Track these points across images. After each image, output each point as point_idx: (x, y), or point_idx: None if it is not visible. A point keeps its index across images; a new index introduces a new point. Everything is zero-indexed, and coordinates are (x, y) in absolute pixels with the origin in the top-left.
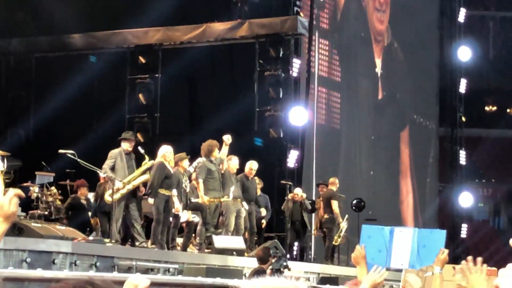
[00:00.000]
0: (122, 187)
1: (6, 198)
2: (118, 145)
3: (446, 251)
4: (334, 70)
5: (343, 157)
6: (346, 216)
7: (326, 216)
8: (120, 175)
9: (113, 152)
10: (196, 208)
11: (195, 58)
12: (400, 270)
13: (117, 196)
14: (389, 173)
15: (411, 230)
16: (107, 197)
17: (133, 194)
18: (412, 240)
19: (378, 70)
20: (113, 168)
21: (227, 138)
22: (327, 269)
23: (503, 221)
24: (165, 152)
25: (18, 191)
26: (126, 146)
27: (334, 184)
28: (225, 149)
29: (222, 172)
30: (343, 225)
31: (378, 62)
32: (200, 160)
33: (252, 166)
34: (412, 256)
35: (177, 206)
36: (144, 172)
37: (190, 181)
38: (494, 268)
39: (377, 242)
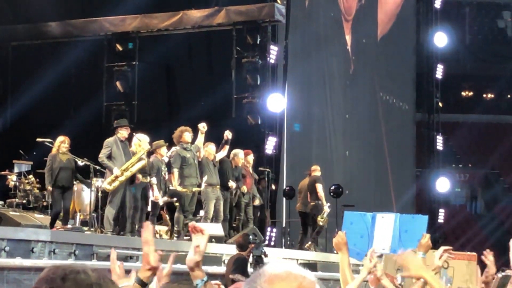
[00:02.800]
0: (120, 175)
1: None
2: (112, 133)
3: (428, 235)
4: (307, 55)
5: (317, 141)
6: (328, 204)
7: (312, 203)
8: (118, 163)
9: (108, 141)
10: (174, 195)
11: (172, 45)
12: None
13: (115, 184)
14: (365, 154)
15: (393, 215)
16: (106, 186)
17: (131, 181)
18: (393, 225)
19: (348, 46)
20: (109, 157)
21: (202, 126)
22: (305, 255)
23: (480, 206)
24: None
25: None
26: (122, 133)
27: (316, 170)
28: (201, 137)
29: (200, 159)
30: (326, 208)
31: (348, 38)
32: (174, 149)
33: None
34: (394, 241)
35: (157, 194)
36: (140, 159)
37: (169, 169)
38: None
39: (359, 228)
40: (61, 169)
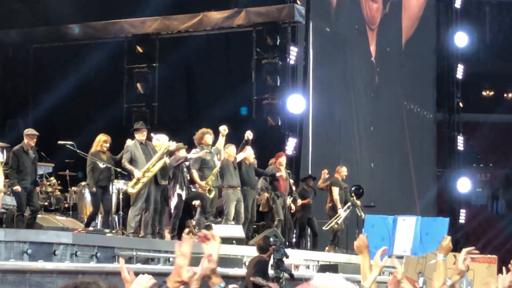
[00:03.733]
0: (141, 176)
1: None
2: (132, 136)
3: (449, 238)
4: (331, 58)
5: (341, 145)
6: (349, 203)
7: (329, 204)
8: (140, 165)
9: (128, 145)
10: (196, 197)
11: (193, 47)
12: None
13: (138, 186)
14: (389, 160)
15: (414, 218)
16: (130, 189)
17: (155, 182)
18: (414, 228)
19: (373, 57)
20: (131, 161)
21: (223, 129)
22: (326, 257)
23: (501, 206)
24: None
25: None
26: (139, 136)
27: (337, 172)
28: (222, 139)
29: (220, 161)
30: (340, 211)
31: (373, 49)
32: (194, 150)
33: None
34: (415, 243)
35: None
36: (161, 158)
37: (188, 170)
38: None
39: (380, 231)
40: (103, 168)
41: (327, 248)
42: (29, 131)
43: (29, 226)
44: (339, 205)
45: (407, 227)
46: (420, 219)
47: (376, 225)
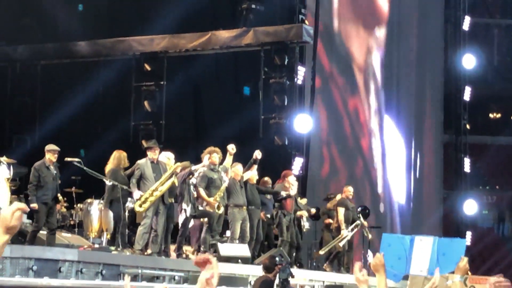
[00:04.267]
0: (150, 195)
1: (9, 211)
2: (143, 154)
3: (466, 259)
4: (338, 78)
5: (345, 162)
6: (357, 222)
7: (335, 224)
8: (150, 183)
9: (139, 163)
10: (203, 215)
11: (200, 65)
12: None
13: (146, 204)
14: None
15: (431, 238)
16: (137, 208)
17: (162, 202)
18: (431, 248)
19: (379, 78)
20: (140, 178)
21: (232, 148)
22: (332, 277)
23: (508, 229)
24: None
25: (23, 205)
26: (151, 155)
27: (344, 192)
28: (230, 158)
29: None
30: (344, 232)
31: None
32: (201, 169)
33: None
34: (432, 263)
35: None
36: (170, 177)
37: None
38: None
39: (397, 250)
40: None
41: (324, 265)
42: (51, 146)
43: (49, 244)
44: (343, 226)
45: (424, 247)
46: (437, 239)
47: (393, 244)
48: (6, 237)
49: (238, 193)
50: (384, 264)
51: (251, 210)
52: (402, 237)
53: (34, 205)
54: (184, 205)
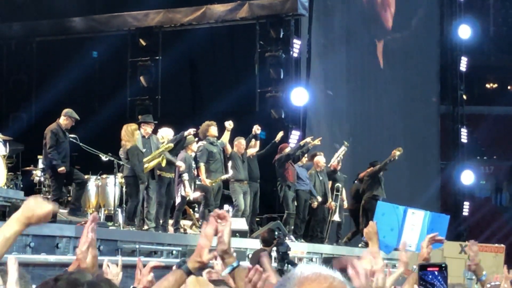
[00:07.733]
0: None
1: (45, 209)
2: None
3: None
4: (335, 50)
5: (342, 135)
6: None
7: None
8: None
9: None
10: (199, 189)
11: (196, 40)
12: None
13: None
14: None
15: (423, 212)
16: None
17: (152, 177)
18: (422, 223)
19: (378, 50)
20: None
21: (229, 124)
22: (328, 249)
23: (505, 198)
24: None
25: (57, 209)
26: (146, 129)
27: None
28: (227, 134)
29: (228, 155)
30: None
31: (380, 45)
32: (201, 143)
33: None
34: (421, 239)
35: (188, 190)
36: (159, 155)
37: (196, 163)
38: (501, 245)
39: (390, 220)
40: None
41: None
42: (73, 114)
43: (77, 201)
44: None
45: (415, 221)
46: (429, 214)
47: (387, 213)
48: (22, 227)
49: (239, 167)
50: (377, 232)
51: (249, 184)
52: (396, 207)
53: (62, 169)
54: (188, 187)
